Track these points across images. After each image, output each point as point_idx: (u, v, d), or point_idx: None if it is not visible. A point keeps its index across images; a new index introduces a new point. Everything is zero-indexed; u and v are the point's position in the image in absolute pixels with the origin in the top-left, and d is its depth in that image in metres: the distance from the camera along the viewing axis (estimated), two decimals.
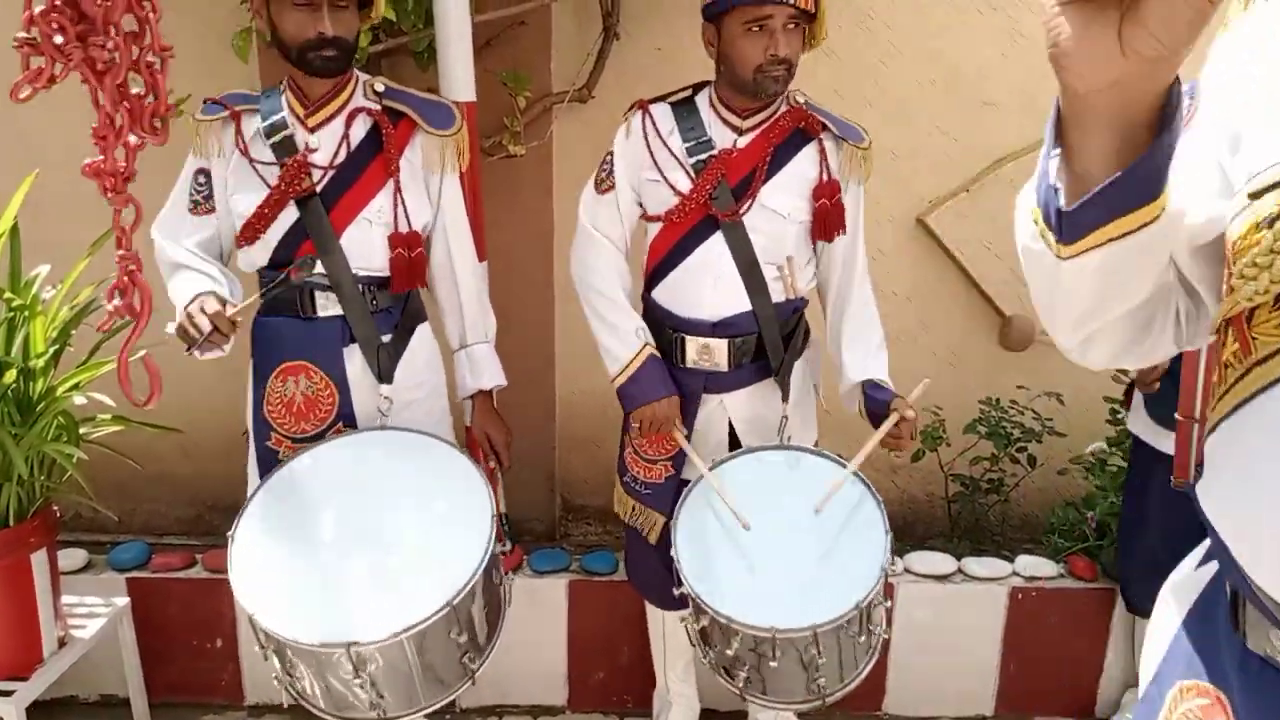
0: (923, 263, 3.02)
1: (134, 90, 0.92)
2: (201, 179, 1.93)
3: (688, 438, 2.05)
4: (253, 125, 1.91)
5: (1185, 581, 1.04)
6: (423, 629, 1.58)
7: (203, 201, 1.93)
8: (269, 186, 1.87)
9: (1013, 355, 3.05)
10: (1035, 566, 2.61)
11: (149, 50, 0.94)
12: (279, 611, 1.61)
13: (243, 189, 1.90)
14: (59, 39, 0.87)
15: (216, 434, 3.03)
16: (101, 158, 0.94)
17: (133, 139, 0.93)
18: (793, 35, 1.87)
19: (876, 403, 2.00)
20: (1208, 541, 1.04)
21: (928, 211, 2.97)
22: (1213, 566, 1.00)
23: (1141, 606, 2.38)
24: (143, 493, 3.06)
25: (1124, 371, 2.53)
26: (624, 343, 2.03)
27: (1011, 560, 2.64)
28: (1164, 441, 2.18)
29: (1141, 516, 2.29)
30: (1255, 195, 0.81)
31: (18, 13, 0.99)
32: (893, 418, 1.95)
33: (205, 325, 1.69)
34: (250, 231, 1.89)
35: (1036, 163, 0.84)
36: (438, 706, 1.70)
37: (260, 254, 1.92)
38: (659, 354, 2.05)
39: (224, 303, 1.76)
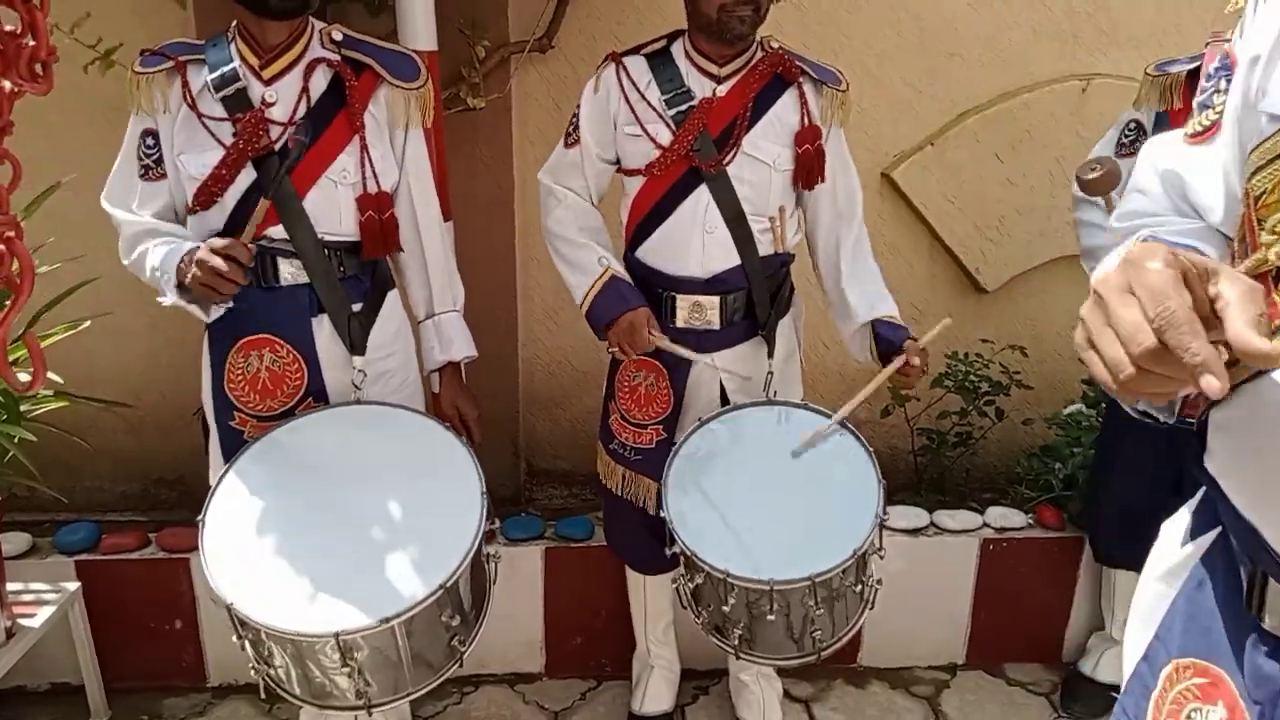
0: (887, 217, 2.99)
1: (7, 27, 0.76)
2: (150, 141, 1.77)
3: (674, 363, 2.00)
4: (200, 78, 1.76)
5: (1173, 561, 1.02)
6: (415, 613, 1.50)
7: (154, 166, 1.77)
8: (223, 145, 1.72)
9: (976, 309, 3.07)
10: (1005, 517, 2.64)
11: None
12: (258, 598, 1.52)
13: (192, 148, 1.75)
14: None
15: (162, 407, 2.89)
16: None
17: (6, 85, 0.78)
18: None
19: (890, 343, 1.97)
20: (1186, 514, 1.03)
21: (892, 166, 2.94)
22: (1202, 543, 0.98)
23: (1111, 557, 2.42)
24: (85, 469, 2.90)
25: None
26: (587, 272, 2.00)
27: (981, 512, 2.68)
28: None
29: (1114, 470, 2.32)
30: None
31: None
32: (899, 360, 1.92)
33: (222, 264, 1.59)
34: (205, 195, 1.73)
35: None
36: (424, 692, 1.64)
37: (216, 218, 1.76)
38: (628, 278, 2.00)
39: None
